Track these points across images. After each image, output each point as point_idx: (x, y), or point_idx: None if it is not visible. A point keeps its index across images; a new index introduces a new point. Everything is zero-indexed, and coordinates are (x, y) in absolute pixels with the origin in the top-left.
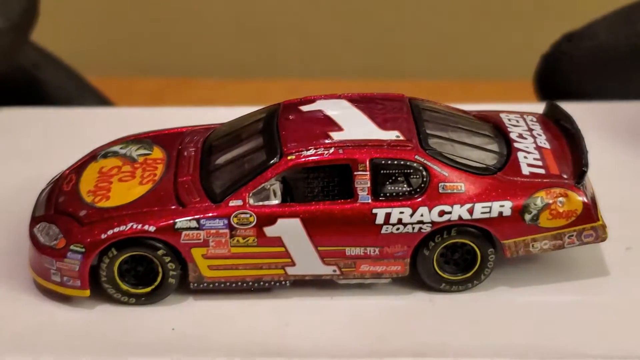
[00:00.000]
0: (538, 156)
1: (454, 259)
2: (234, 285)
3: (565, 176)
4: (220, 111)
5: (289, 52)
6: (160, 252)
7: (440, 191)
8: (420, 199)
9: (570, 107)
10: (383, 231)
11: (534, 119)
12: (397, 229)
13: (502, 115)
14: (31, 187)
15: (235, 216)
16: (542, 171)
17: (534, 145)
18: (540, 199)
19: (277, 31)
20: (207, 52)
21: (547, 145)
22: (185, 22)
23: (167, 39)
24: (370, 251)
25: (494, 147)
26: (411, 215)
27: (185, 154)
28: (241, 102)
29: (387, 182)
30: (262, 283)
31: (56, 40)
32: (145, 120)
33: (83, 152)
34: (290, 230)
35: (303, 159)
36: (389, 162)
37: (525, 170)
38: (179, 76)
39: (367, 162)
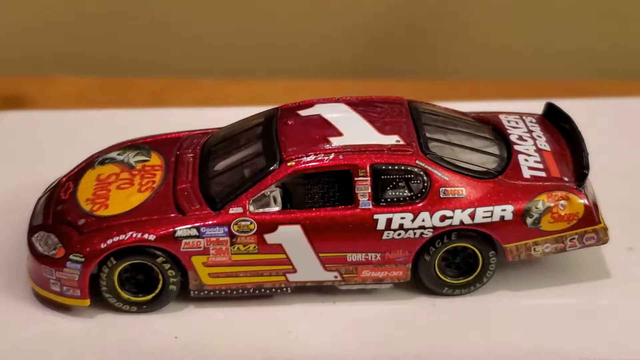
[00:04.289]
0: (539, 159)
1: (455, 263)
2: (234, 292)
3: (566, 179)
4: (219, 112)
5: (289, 52)
6: (159, 260)
7: (442, 196)
8: (421, 204)
9: (569, 105)
10: (384, 237)
11: (534, 120)
12: (399, 234)
13: (502, 117)
14: (28, 194)
15: (236, 224)
16: (543, 174)
17: (534, 147)
18: (541, 202)
19: (277, 31)
20: (207, 52)
21: (548, 147)
22: (185, 22)
23: (167, 39)
24: (371, 257)
25: (494, 149)
26: (412, 221)
27: (184, 160)
28: (241, 102)
29: (388, 188)
30: (263, 290)
31: (56, 40)
32: (144, 122)
33: (80, 156)
34: (291, 237)
35: (303, 165)
36: (390, 167)
37: (526, 173)
38: (179, 76)
39: (368, 168)
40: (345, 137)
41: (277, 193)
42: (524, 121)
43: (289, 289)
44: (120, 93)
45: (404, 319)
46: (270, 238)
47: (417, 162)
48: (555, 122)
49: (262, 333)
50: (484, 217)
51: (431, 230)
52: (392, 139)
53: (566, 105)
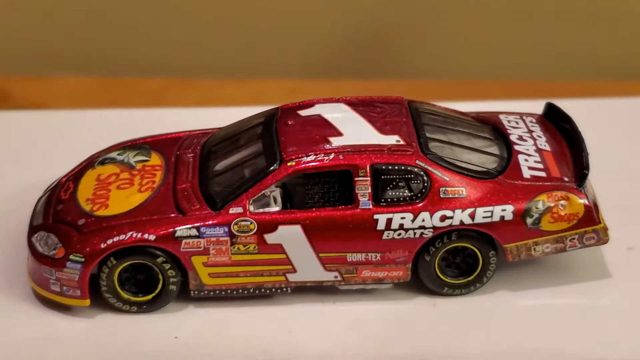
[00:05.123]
0: (539, 159)
1: (455, 263)
2: (234, 292)
3: (566, 179)
4: (219, 112)
5: (289, 52)
6: (159, 260)
7: (442, 196)
8: (421, 204)
9: (568, 105)
10: (384, 237)
11: (534, 120)
12: (399, 234)
13: (502, 117)
14: (28, 194)
15: (236, 224)
16: (543, 174)
17: (535, 147)
18: (541, 202)
19: (277, 31)
20: (207, 52)
21: (548, 148)
22: (185, 22)
23: (167, 39)
24: (371, 257)
25: (494, 149)
26: (412, 221)
27: (184, 160)
28: (241, 102)
29: (388, 188)
30: (263, 290)
31: (56, 40)
32: (144, 122)
33: (80, 156)
34: (291, 237)
35: (303, 165)
36: (390, 167)
37: (526, 173)
38: (179, 76)
39: (368, 168)
40: (345, 137)
41: (277, 193)
42: (524, 121)
43: (289, 289)
44: (120, 93)
45: (404, 319)
46: (270, 238)
47: (417, 162)
48: (555, 122)
49: (262, 333)
50: (484, 217)
51: (431, 230)
52: (392, 139)
53: (566, 105)
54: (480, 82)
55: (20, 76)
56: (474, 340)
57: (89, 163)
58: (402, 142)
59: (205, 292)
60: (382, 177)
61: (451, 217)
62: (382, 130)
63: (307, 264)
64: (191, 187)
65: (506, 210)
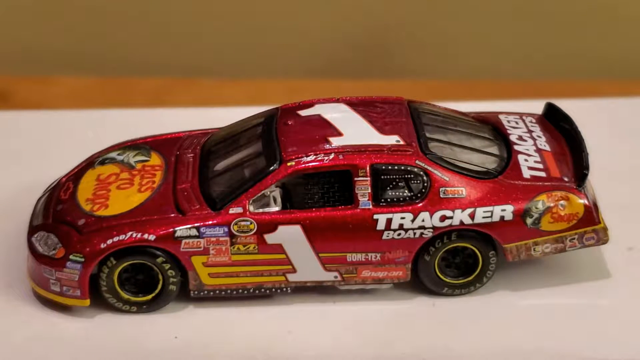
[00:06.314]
0: (539, 159)
1: (455, 263)
2: (234, 292)
3: (566, 179)
4: (219, 112)
5: (289, 52)
6: (159, 260)
7: (442, 196)
8: (421, 204)
9: (568, 105)
10: (384, 237)
11: (534, 120)
12: (399, 234)
13: (502, 117)
14: (29, 194)
15: (236, 224)
16: (542, 174)
17: (534, 147)
18: (541, 202)
19: (277, 31)
20: (207, 52)
21: (547, 148)
22: (185, 22)
23: (167, 39)
24: (371, 257)
25: (494, 149)
26: (412, 221)
27: (184, 160)
28: (241, 102)
29: (388, 188)
30: (263, 290)
31: (56, 40)
32: (144, 122)
33: (80, 156)
34: (291, 237)
35: (303, 165)
36: (390, 167)
37: (526, 173)
38: (179, 76)
39: (368, 168)
40: (345, 137)
41: (277, 193)
42: (524, 121)
43: (289, 289)
44: (120, 93)
45: (404, 319)
46: (270, 238)
47: (417, 162)
48: (555, 122)
49: (262, 333)
50: (483, 217)
51: (431, 230)
52: (392, 139)
53: (566, 105)
54: (480, 82)
55: (20, 76)
56: (474, 340)
57: (89, 163)
58: (402, 142)
59: (205, 292)
60: (382, 177)
61: (451, 217)
62: (382, 130)
63: (307, 264)
64: (191, 187)
65: (506, 210)
